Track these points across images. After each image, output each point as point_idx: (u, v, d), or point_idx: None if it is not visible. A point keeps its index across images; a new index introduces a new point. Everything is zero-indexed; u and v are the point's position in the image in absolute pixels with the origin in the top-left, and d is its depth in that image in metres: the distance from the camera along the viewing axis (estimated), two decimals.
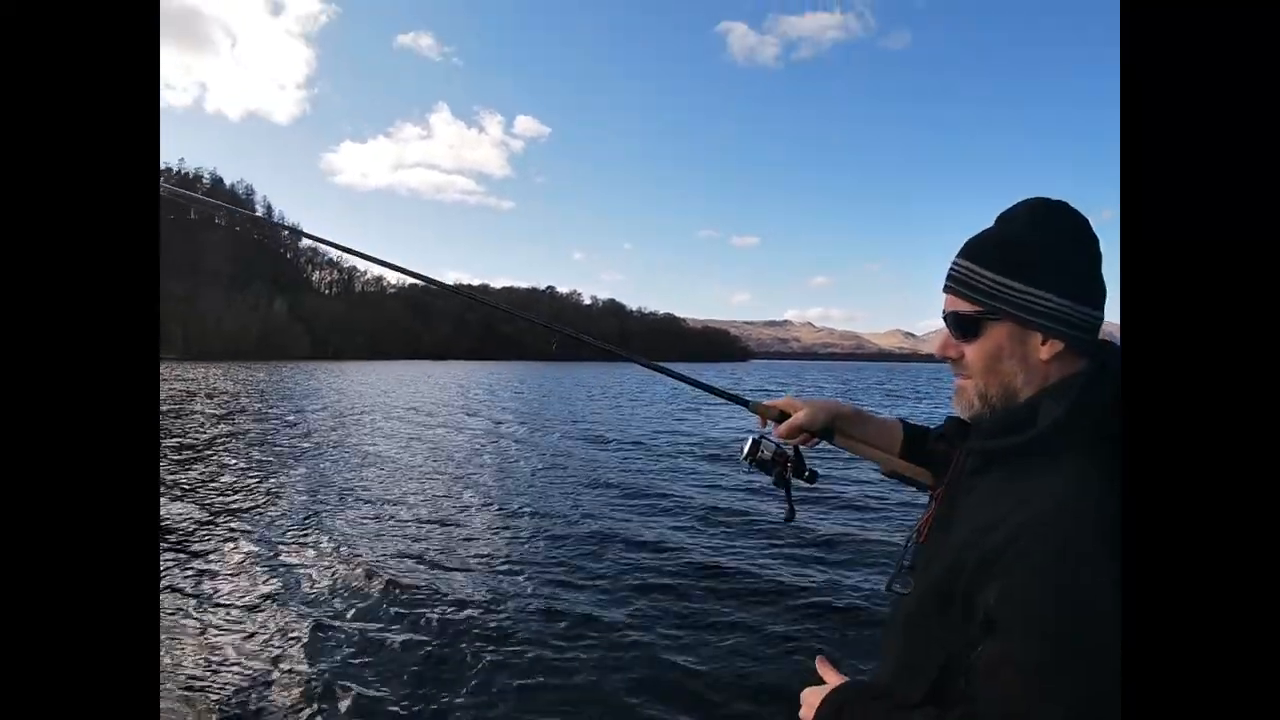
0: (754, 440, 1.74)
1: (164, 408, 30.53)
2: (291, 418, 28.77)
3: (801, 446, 1.72)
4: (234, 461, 17.58)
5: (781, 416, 1.77)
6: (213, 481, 15.20)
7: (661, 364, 2.20)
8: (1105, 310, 1.29)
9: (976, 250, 1.33)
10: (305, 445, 21.07)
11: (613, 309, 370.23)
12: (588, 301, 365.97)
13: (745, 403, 1.84)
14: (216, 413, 29.90)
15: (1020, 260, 1.27)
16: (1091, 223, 1.31)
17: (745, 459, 1.75)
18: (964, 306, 1.32)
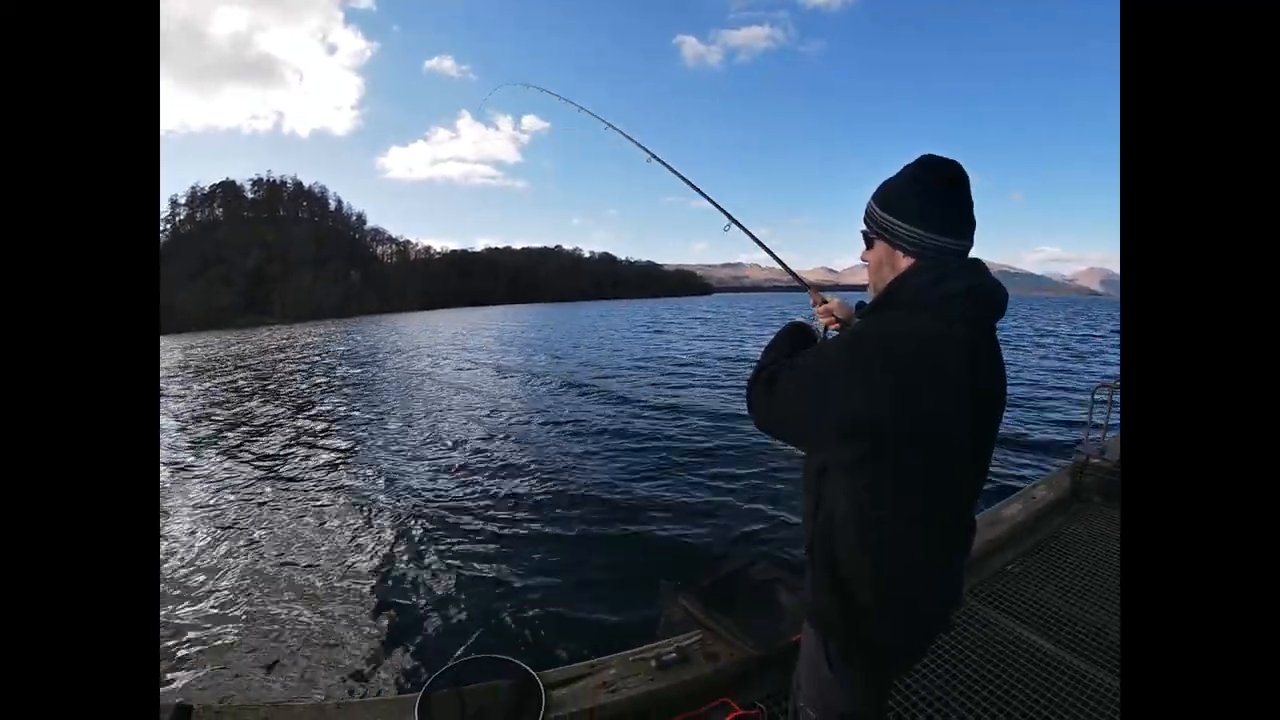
0: (806, 317, 1.86)
1: (266, 358, 30.07)
2: (366, 358, 28.62)
3: (829, 328, 1.83)
4: (318, 398, 17.41)
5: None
6: (294, 417, 14.68)
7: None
8: (970, 239, 1.36)
9: (876, 190, 1.43)
10: (373, 379, 20.75)
11: (606, 259, 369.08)
12: (586, 255, 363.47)
13: (805, 286, 2.12)
14: (306, 359, 29.88)
15: (890, 198, 1.39)
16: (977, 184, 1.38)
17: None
18: (863, 228, 1.48)
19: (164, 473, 9.73)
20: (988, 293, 1.33)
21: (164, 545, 6.74)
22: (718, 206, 2.39)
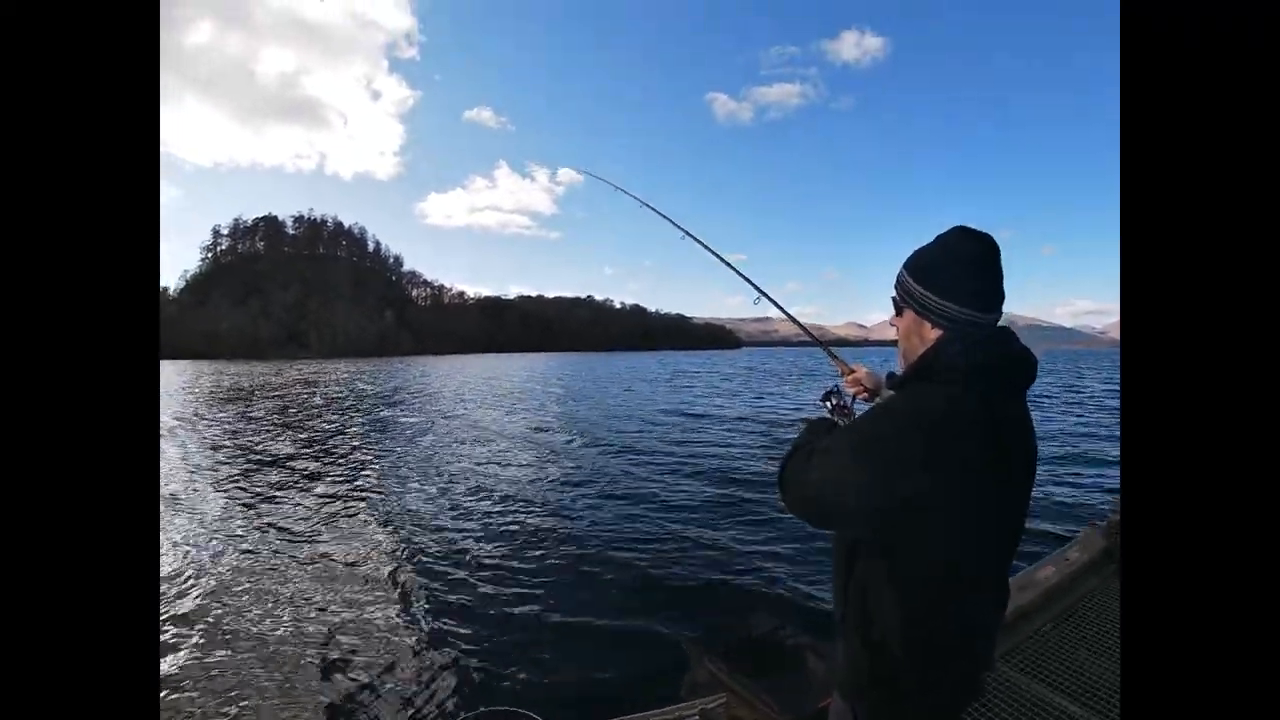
0: (834, 388, 1.86)
1: (300, 391, 30.33)
2: (393, 398, 28.64)
3: (858, 397, 1.86)
4: (341, 432, 17.66)
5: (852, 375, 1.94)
6: (324, 448, 14.74)
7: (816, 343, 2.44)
8: (999, 310, 1.35)
9: (908, 258, 1.45)
10: (400, 419, 20.77)
11: (636, 310, 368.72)
12: (618, 305, 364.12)
13: (834, 357, 2.10)
14: (336, 394, 29.69)
15: (923, 269, 1.40)
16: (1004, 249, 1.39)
17: (822, 400, 1.86)
18: (894, 295, 1.48)
19: (175, 493, 10.13)
20: (1018, 362, 1.34)
21: (163, 582, 6.45)
22: (749, 281, 2.50)
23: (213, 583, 6.42)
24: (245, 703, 4.31)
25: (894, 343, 1.52)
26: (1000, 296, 1.35)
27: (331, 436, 16.56)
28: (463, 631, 5.36)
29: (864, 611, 1.38)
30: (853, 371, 1.91)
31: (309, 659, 4.91)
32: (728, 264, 2.70)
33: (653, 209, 3.16)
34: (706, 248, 2.80)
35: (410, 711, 4.26)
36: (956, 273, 1.35)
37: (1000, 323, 1.38)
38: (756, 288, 2.50)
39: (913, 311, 1.42)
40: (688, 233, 2.87)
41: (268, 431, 17.31)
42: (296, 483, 11.30)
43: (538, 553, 7.44)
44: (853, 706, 1.49)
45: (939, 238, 1.41)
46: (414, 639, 5.26)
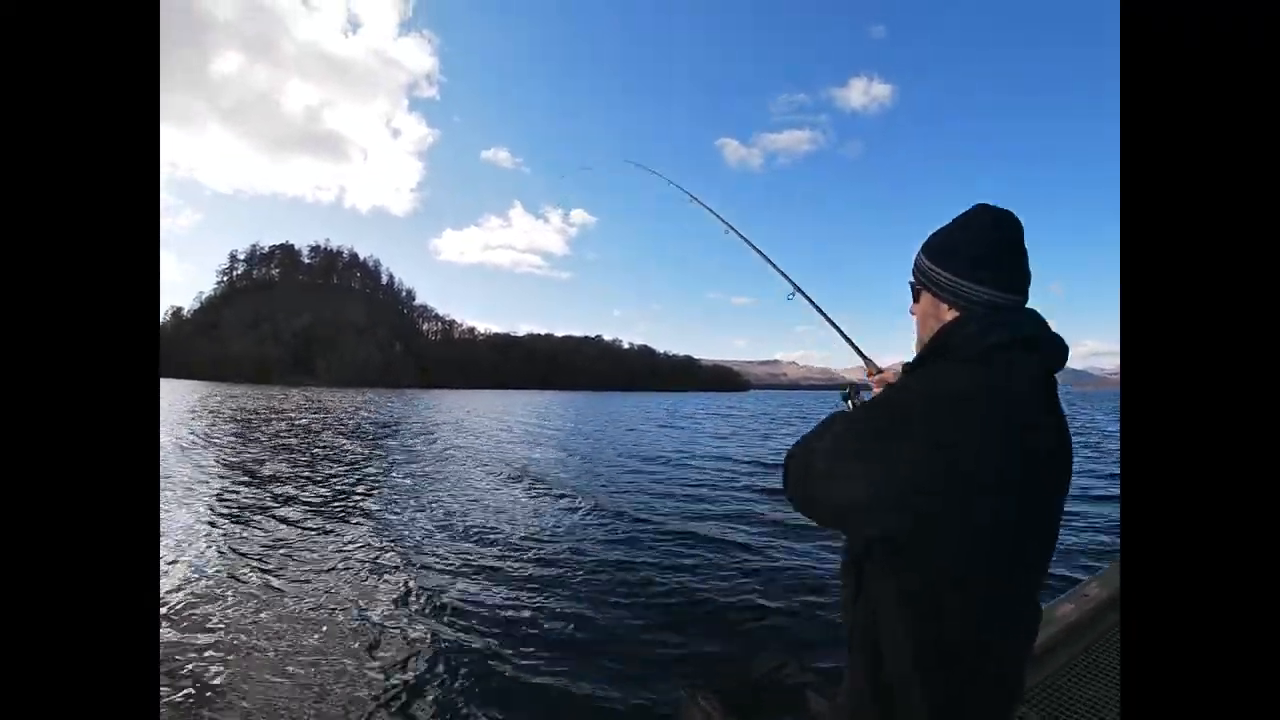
0: (854, 386, 1.79)
1: (299, 418, 30.37)
2: (397, 427, 28.63)
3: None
4: (338, 460, 17.13)
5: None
6: (320, 479, 14.13)
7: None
8: (1024, 293, 1.26)
9: (925, 240, 1.38)
10: (398, 454, 20.53)
11: (645, 351, 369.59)
12: (626, 346, 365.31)
13: (863, 356, 2.08)
14: (341, 425, 29.61)
15: (936, 247, 1.33)
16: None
17: (843, 399, 1.75)
18: (910, 280, 1.41)
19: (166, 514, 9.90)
20: (1043, 340, 1.20)
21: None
22: (784, 275, 2.44)
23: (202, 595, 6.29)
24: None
25: None
26: (1025, 277, 1.26)
27: (323, 461, 16.44)
28: (434, 656, 5.20)
29: (873, 638, 1.20)
30: (880, 371, 1.79)
31: (279, 679, 4.76)
32: (766, 257, 2.62)
33: (700, 202, 3.12)
34: (749, 243, 2.71)
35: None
36: (975, 251, 1.26)
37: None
38: (791, 282, 2.41)
39: (929, 294, 1.33)
40: (731, 227, 2.82)
41: (265, 454, 17.23)
42: (290, 504, 11.09)
43: (520, 582, 7.25)
44: None
45: (958, 216, 1.32)
46: (390, 662, 5.12)
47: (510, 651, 5.31)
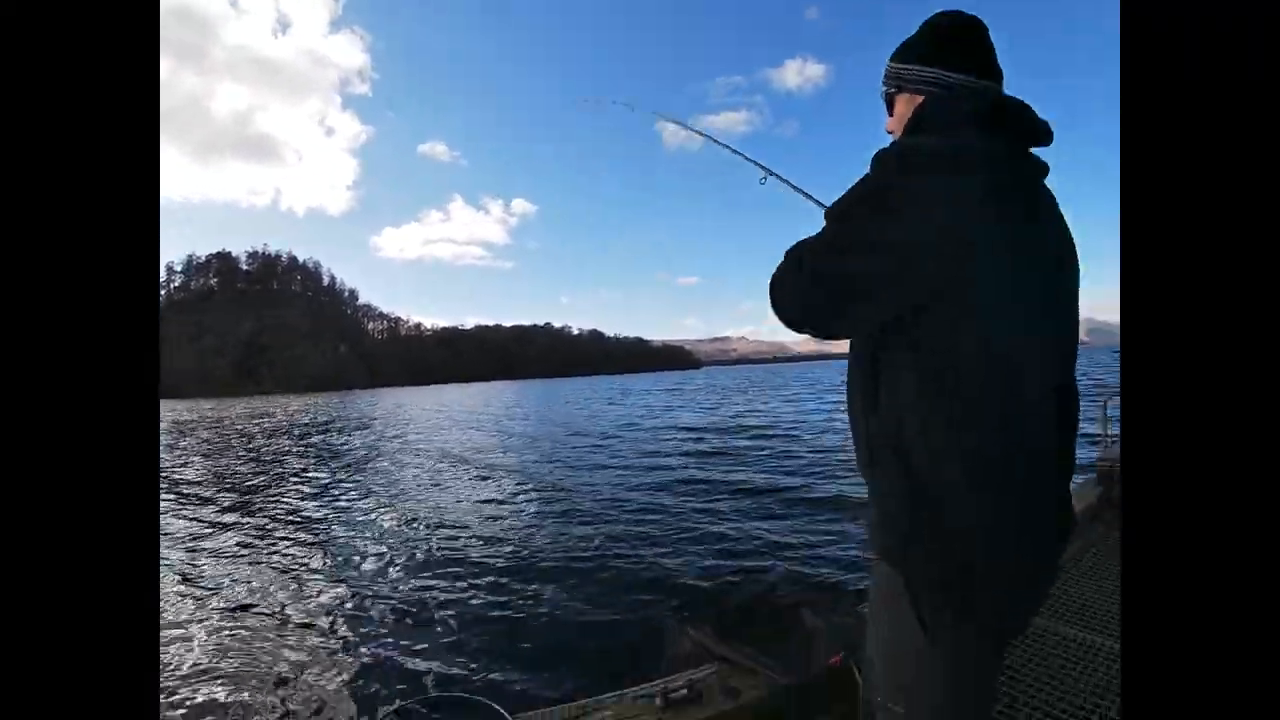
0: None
1: (244, 428, 29.62)
2: (338, 427, 28.10)
3: None
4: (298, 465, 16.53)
5: None
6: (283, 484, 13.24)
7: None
8: (995, 80, 1.21)
9: (893, 52, 1.32)
10: (357, 446, 20.20)
11: (595, 336, 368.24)
12: (575, 332, 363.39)
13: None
14: (293, 430, 28.88)
15: (906, 48, 1.26)
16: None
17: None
18: (883, 90, 1.34)
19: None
20: (1016, 107, 1.12)
21: None
22: (755, 162, 2.24)
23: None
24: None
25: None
26: (993, 67, 1.20)
27: (271, 468, 16.29)
28: (407, 621, 5.11)
29: (898, 441, 1.06)
30: None
31: (238, 658, 4.62)
32: (736, 150, 2.44)
33: (731, 149, 2.74)
34: (790, 184, 2.27)
35: (340, 707, 3.89)
36: (941, 41, 1.21)
37: None
38: (761, 166, 2.17)
39: (903, 95, 1.26)
40: (769, 171, 2.52)
41: (207, 466, 16.98)
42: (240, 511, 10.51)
43: (494, 556, 6.97)
44: (900, 569, 1.08)
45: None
46: (353, 631, 4.99)
47: (484, 608, 5.27)
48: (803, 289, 1.11)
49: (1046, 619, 2.88)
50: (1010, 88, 1.21)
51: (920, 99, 1.21)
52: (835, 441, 14.07)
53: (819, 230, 1.15)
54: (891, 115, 1.31)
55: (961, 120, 1.10)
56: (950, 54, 1.19)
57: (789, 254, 1.15)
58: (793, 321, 1.14)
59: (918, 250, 0.99)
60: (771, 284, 1.16)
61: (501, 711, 1.99)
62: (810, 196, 1.88)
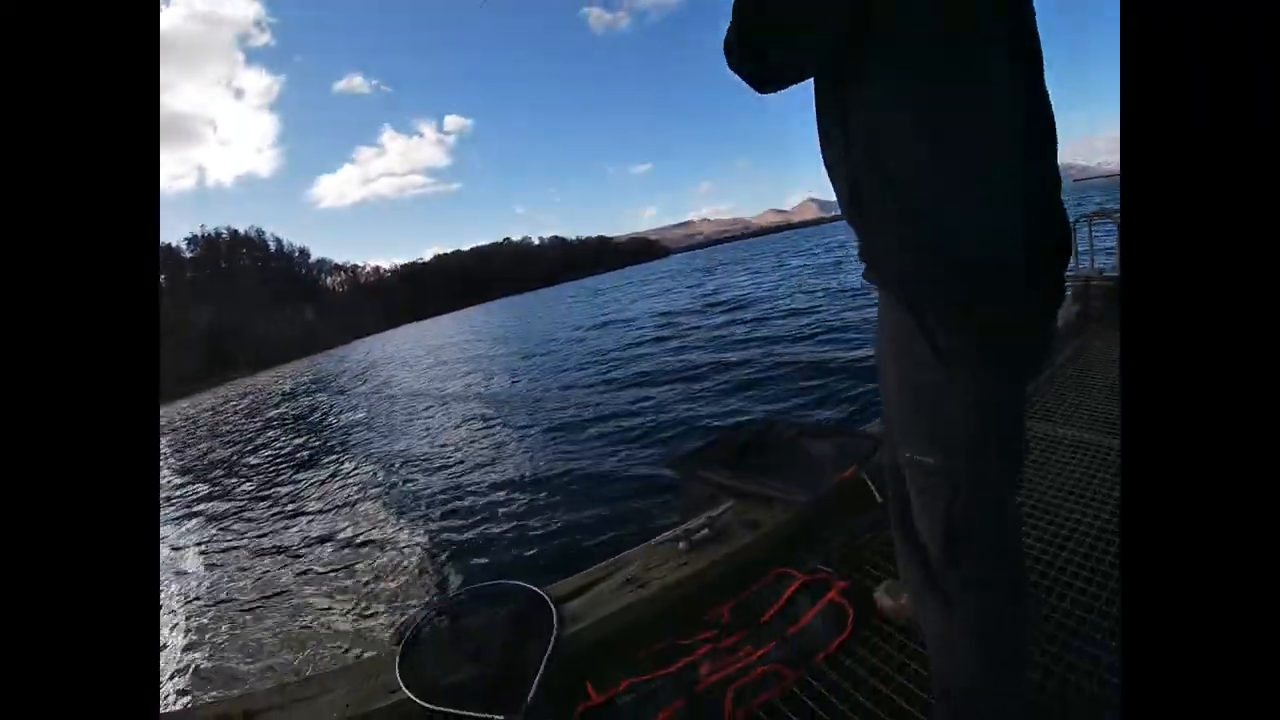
0: None
1: (239, 409, 29.33)
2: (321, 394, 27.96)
3: None
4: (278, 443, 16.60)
5: None
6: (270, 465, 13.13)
7: None
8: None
9: None
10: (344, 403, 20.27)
11: (557, 242, 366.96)
12: (536, 242, 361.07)
13: None
14: (289, 408, 28.85)
15: None
16: None
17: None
18: None
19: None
20: None
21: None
22: None
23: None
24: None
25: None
26: None
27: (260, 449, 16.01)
28: (425, 526, 5.27)
29: (878, 159, 0.97)
30: None
31: (263, 593, 4.89)
32: None
33: None
34: None
35: (376, 620, 4.01)
36: None
37: None
38: None
39: None
40: None
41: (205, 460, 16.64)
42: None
43: (500, 467, 7.07)
44: (908, 306, 1.02)
45: None
46: (375, 547, 5.18)
47: (501, 506, 5.40)
48: (753, 22, 0.97)
49: (1040, 422, 3.00)
50: None
51: None
52: (805, 303, 14.13)
53: None
54: None
55: None
56: None
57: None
58: (747, 65, 1.01)
59: None
60: (729, 42, 1.00)
61: (532, 588, 2.11)
62: None
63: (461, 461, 7.59)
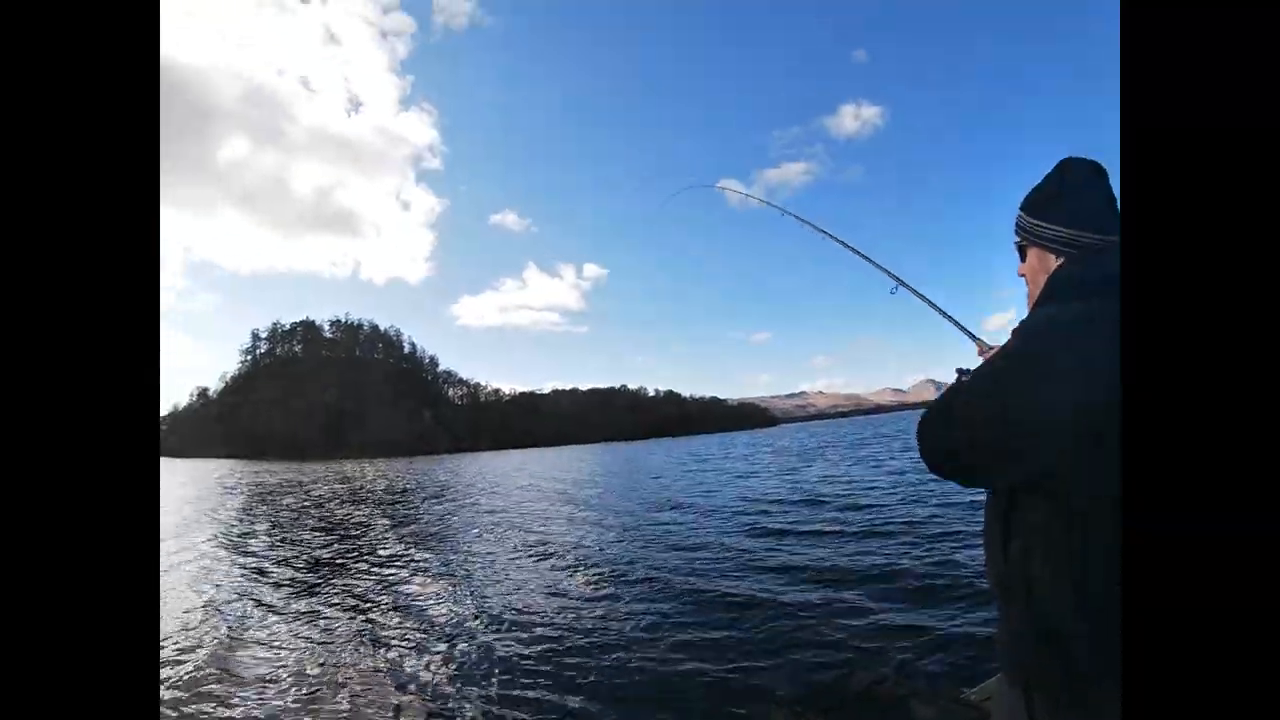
0: (965, 370, 1.67)
1: (339, 493, 30.33)
2: (432, 497, 28.52)
3: None
4: (384, 531, 17.03)
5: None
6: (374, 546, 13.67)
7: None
8: (1118, 233, 1.27)
9: (1024, 199, 1.42)
10: (441, 513, 20.60)
11: (671, 396, 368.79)
12: (651, 393, 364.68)
13: (973, 337, 1.93)
14: (384, 496, 29.62)
15: (1037, 202, 1.38)
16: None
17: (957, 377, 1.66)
18: (1015, 240, 1.45)
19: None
20: None
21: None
22: (886, 270, 2.39)
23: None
24: None
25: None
26: (1118, 217, 1.29)
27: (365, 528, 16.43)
28: (522, 691, 5.07)
29: (1025, 579, 1.19)
30: (991, 348, 1.75)
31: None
32: (864, 255, 2.64)
33: (795, 216, 3.23)
34: (847, 246, 2.75)
35: None
36: (1069, 199, 1.32)
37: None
38: (893, 276, 2.37)
39: (1035, 249, 1.39)
40: (826, 232, 2.94)
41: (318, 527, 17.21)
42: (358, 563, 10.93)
43: (589, 605, 7.21)
44: (1022, 690, 1.24)
45: (1050, 173, 1.38)
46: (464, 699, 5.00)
47: (586, 671, 5.28)
48: (940, 443, 1.29)
49: None
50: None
51: (1050, 255, 1.34)
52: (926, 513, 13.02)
53: (963, 381, 1.33)
54: (1024, 261, 1.43)
55: (1095, 285, 1.18)
56: (1078, 212, 1.30)
57: (938, 402, 1.31)
58: (938, 466, 1.29)
59: (1046, 420, 1.10)
60: (921, 435, 1.31)
61: None
62: (943, 312, 2.09)
63: (555, 597, 7.76)
